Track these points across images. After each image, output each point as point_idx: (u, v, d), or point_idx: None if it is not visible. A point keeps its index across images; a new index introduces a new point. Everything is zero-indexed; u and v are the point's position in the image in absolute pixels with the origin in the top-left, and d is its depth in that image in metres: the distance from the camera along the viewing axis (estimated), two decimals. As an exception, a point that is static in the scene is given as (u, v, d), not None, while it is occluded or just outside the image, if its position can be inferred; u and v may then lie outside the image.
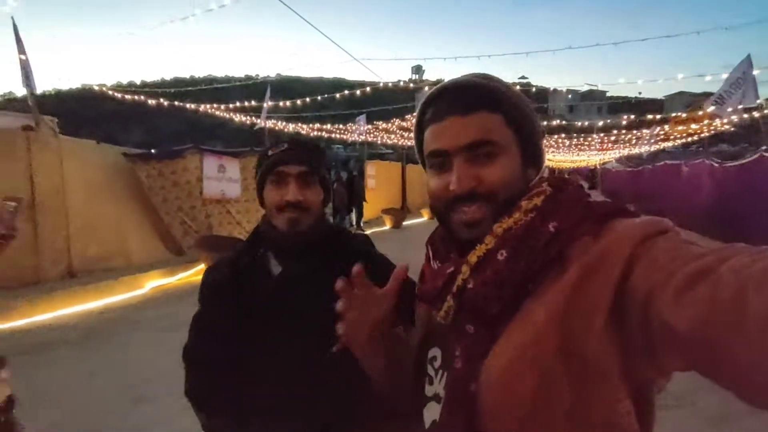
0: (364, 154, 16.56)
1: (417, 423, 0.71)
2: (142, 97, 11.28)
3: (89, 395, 3.37)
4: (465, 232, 0.65)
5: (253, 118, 12.76)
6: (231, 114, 12.99)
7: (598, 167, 32.02)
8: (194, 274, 6.95)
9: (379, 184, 14.82)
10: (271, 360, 1.02)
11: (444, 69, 39.87)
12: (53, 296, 5.36)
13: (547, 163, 0.74)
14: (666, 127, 15.36)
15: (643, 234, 0.53)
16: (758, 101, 8.64)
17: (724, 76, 8.64)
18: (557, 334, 0.55)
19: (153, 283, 6.54)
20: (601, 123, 18.83)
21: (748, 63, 8.06)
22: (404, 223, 13.83)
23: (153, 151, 8.22)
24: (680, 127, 14.04)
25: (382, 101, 19.77)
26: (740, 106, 8.32)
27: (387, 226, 13.36)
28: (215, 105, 12.49)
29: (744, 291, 0.40)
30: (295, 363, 1.00)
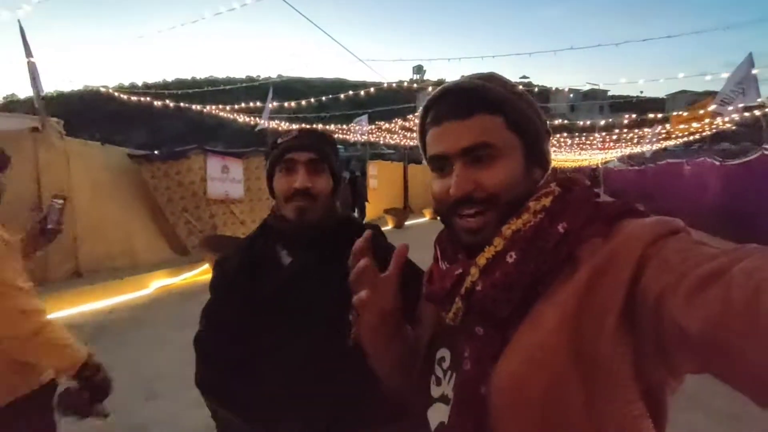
0: (366, 154, 16.53)
1: (420, 424, 0.70)
2: (148, 99, 11.30)
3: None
4: (468, 237, 0.65)
5: (256, 118, 12.80)
6: (234, 115, 13.01)
7: (600, 166, 31.98)
8: (199, 274, 6.99)
9: (381, 184, 14.76)
10: (280, 350, 1.02)
11: (446, 69, 39.73)
12: (61, 296, 5.40)
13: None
14: (668, 126, 15.33)
15: (654, 235, 0.52)
16: (759, 99, 8.63)
17: (725, 74, 8.64)
18: (568, 337, 0.54)
19: (158, 282, 6.60)
20: (602, 122, 18.75)
21: (749, 62, 8.06)
22: (406, 223, 13.79)
23: (157, 152, 8.28)
24: (682, 126, 14.01)
25: (384, 102, 19.79)
26: (741, 105, 8.34)
27: (389, 226, 13.36)
28: (219, 106, 12.53)
29: (757, 293, 0.40)
30: (305, 353, 1.00)
